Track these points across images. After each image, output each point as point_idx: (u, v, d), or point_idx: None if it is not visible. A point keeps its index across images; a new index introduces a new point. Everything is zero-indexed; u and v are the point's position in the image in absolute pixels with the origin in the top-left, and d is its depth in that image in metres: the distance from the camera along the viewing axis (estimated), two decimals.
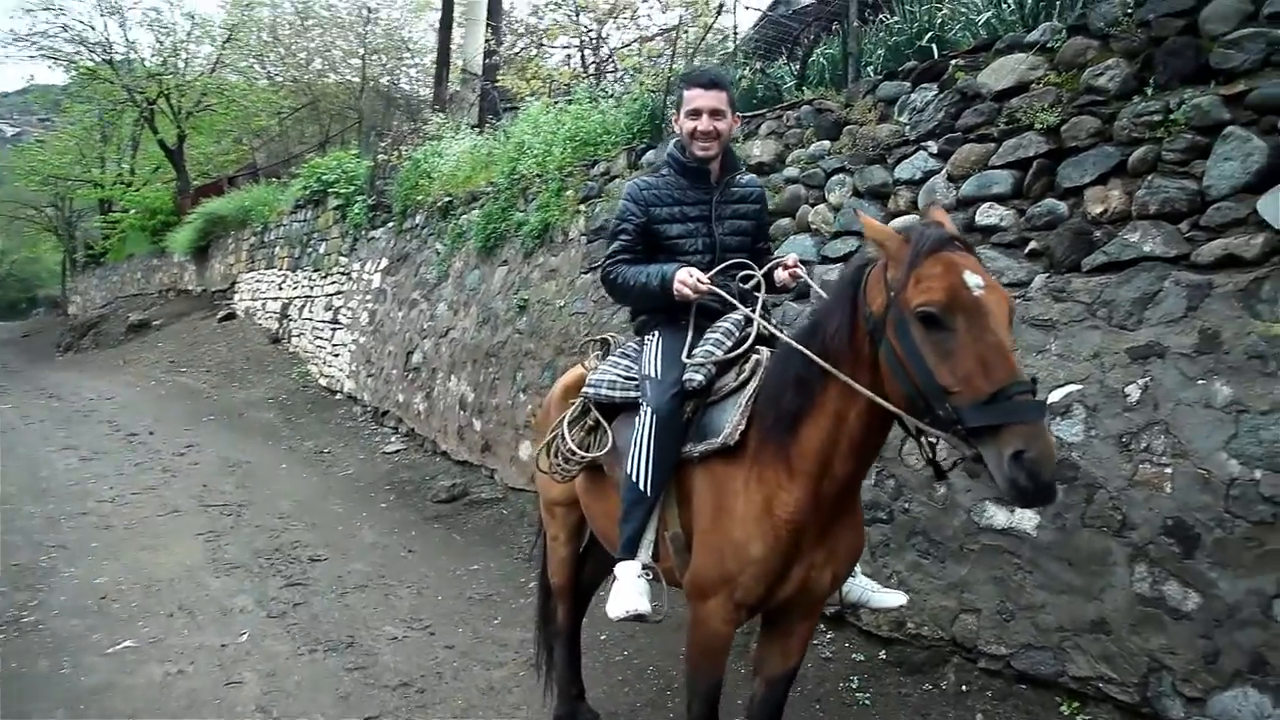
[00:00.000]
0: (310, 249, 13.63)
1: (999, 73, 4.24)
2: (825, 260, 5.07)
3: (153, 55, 23.73)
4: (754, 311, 2.83)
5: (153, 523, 6.81)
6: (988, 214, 4.18)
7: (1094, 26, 3.89)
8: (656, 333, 3.02)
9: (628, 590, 2.64)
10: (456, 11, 13.81)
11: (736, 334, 2.84)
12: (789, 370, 2.48)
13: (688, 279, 2.84)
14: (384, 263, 11.20)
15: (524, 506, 7.11)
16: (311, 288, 13.34)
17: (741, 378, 2.70)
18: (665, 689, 4.14)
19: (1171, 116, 3.51)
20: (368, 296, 11.43)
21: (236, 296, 17.09)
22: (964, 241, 2.14)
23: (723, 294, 2.86)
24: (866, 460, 2.45)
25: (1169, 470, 3.30)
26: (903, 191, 4.67)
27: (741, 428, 2.57)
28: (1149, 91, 3.65)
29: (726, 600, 2.55)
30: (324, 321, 12.61)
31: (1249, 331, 3.21)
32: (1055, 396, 3.69)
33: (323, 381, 12.27)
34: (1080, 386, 3.64)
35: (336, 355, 11.99)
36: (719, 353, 2.77)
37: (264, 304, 15.48)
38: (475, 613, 5.19)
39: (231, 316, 16.68)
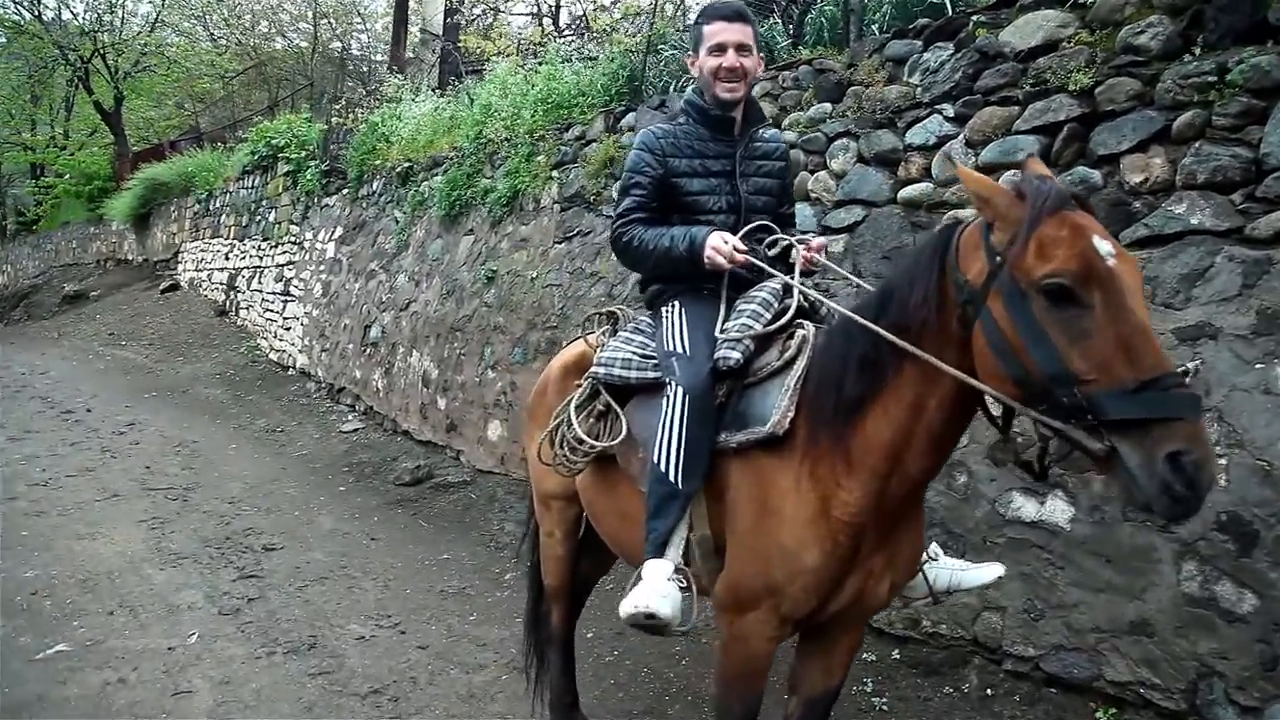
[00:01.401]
0: (259, 217, 12.98)
1: (1025, 30, 3.94)
2: (827, 231, 4.74)
3: (86, 11, 22.50)
4: (794, 279, 2.48)
5: (90, 508, 6.28)
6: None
7: None
8: (676, 303, 2.65)
9: (649, 590, 2.26)
10: None
11: (775, 305, 2.48)
12: (850, 349, 2.13)
13: (721, 245, 2.47)
14: (339, 231, 10.65)
15: (494, 490, 6.75)
16: (261, 258, 12.71)
17: (787, 356, 2.34)
18: (663, 693, 3.82)
19: (1226, 78, 3.23)
20: (321, 267, 10.88)
21: (180, 267, 16.30)
22: (1083, 200, 1.80)
23: (762, 265, 2.51)
24: (945, 455, 2.11)
25: (1223, 461, 3.05)
26: (915, 158, 4.36)
27: (791, 415, 2.22)
28: (1197, 51, 3.37)
29: (771, 614, 2.22)
30: (274, 293, 12.01)
31: None
32: None
33: (273, 356, 11.71)
34: None
35: (288, 329, 11.43)
36: (758, 326, 2.42)
37: (209, 274, 14.77)
38: (448, 608, 4.81)
39: (175, 287, 15.91)
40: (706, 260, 2.49)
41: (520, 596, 4.90)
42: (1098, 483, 3.34)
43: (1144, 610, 3.19)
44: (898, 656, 3.85)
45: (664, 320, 2.64)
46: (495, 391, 7.15)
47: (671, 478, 2.31)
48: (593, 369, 2.78)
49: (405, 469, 7.33)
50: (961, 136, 4.14)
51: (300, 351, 11.00)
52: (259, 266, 12.75)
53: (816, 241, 2.66)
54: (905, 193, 4.38)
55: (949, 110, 4.22)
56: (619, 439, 2.61)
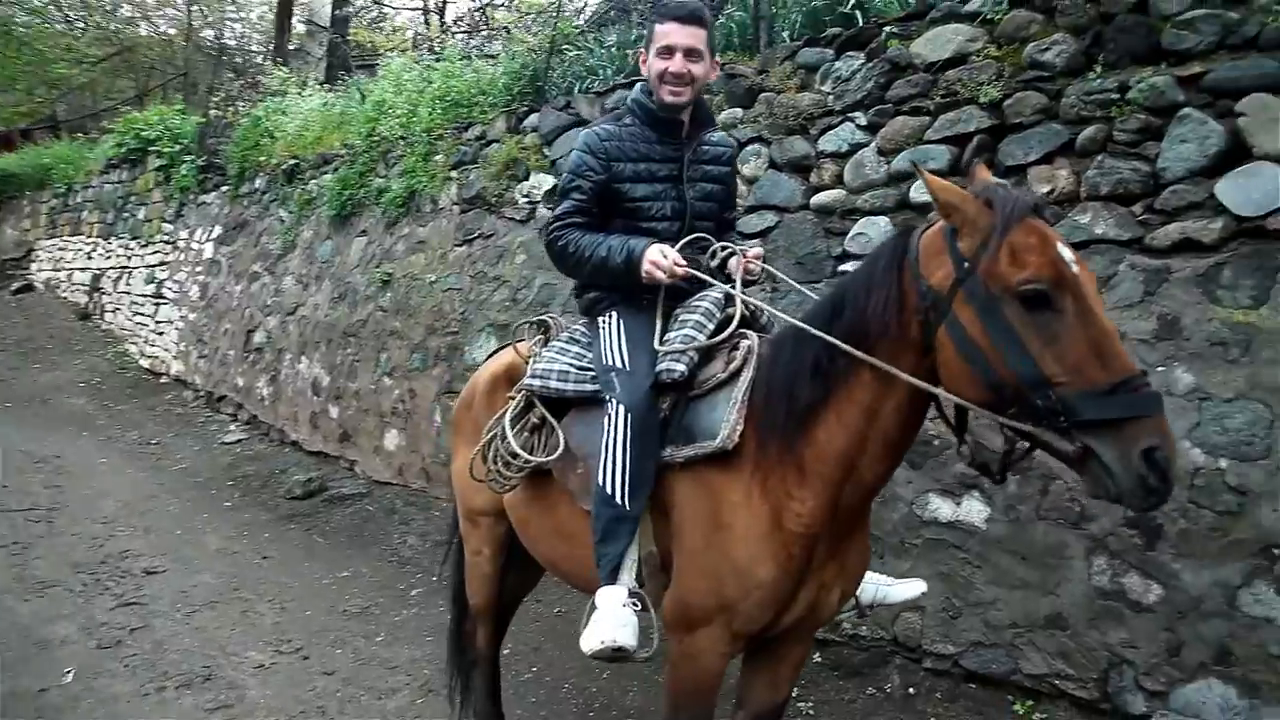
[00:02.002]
0: (127, 214, 12.18)
1: (935, 43, 4.05)
2: (740, 235, 4.76)
3: None
4: (736, 289, 2.44)
5: None
6: (924, 191, 3.95)
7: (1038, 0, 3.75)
8: (614, 314, 2.58)
9: (609, 620, 2.19)
10: None
11: (718, 315, 2.44)
12: (801, 358, 2.11)
13: (660, 260, 2.41)
14: (217, 231, 10.11)
15: (392, 502, 6.53)
16: (129, 257, 11.93)
17: (732, 367, 2.29)
18: (586, 709, 3.75)
19: (1127, 96, 3.39)
20: (198, 268, 10.30)
21: (35, 266, 15.13)
22: (1041, 209, 1.84)
23: (704, 277, 2.47)
24: (899, 460, 2.12)
25: None
26: (827, 164, 4.43)
27: (740, 427, 2.18)
28: (1098, 69, 3.52)
29: (723, 631, 2.17)
30: (145, 295, 11.29)
31: (1210, 318, 3.13)
32: None
33: (144, 363, 11.01)
34: None
35: (161, 333, 10.77)
36: (701, 337, 2.37)
37: (70, 275, 13.76)
38: (353, 629, 4.59)
39: (29, 289, 14.76)
40: (645, 275, 2.43)
41: (428, 614, 4.77)
42: (1013, 483, 3.45)
43: (1057, 604, 3.31)
44: (820, 660, 3.89)
45: (601, 331, 2.56)
46: (392, 399, 6.91)
47: (619, 499, 2.24)
48: (526, 380, 2.68)
49: (296, 481, 7.00)
50: (874, 145, 4.22)
51: (175, 357, 10.38)
52: (127, 267, 11.96)
53: (754, 250, 2.62)
54: (818, 199, 4.44)
55: (861, 119, 4.30)
56: (556, 454, 2.52)
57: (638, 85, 2.68)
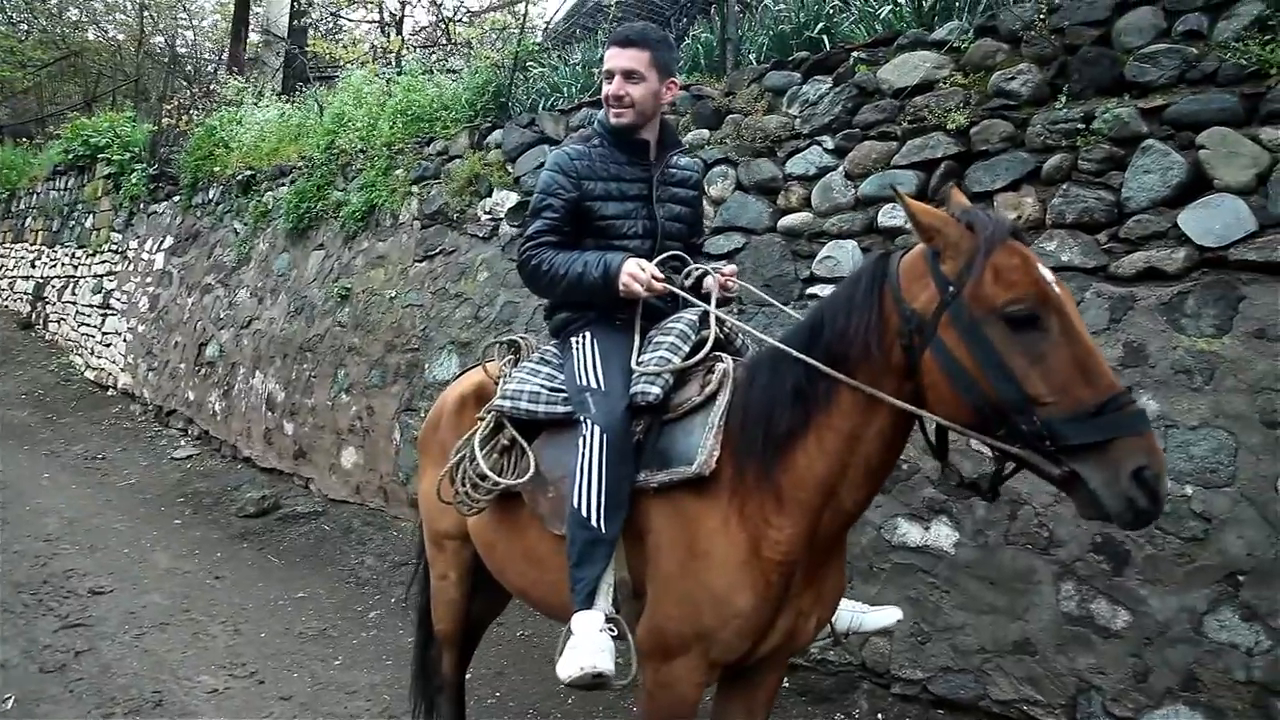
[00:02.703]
0: (74, 222, 11.85)
1: (902, 69, 4.09)
2: (706, 257, 4.75)
3: None
4: (712, 309, 2.42)
5: None
6: (892, 215, 4.01)
7: (1004, 29, 3.80)
8: (587, 334, 2.54)
9: (587, 645, 2.14)
10: None
11: (693, 336, 2.42)
12: (779, 382, 2.10)
13: (639, 273, 2.39)
14: (169, 241, 9.87)
15: (349, 521, 6.39)
16: (76, 266, 11.60)
17: (708, 390, 2.27)
18: None
19: (1091, 126, 3.45)
20: (148, 279, 10.04)
21: None
22: (1021, 232, 1.87)
23: (682, 293, 2.45)
24: (879, 485, 2.11)
25: None
26: (795, 187, 4.44)
27: (717, 453, 2.15)
28: (1063, 99, 3.58)
29: (700, 660, 2.14)
30: (92, 306, 10.97)
31: (1175, 346, 3.18)
32: None
33: (90, 375, 10.69)
34: None
35: (108, 345, 10.47)
36: (676, 359, 2.34)
37: (11, 283, 13.36)
38: (309, 652, 4.47)
39: None
40: (622, 288, 2.40)
41: (387, 637, 4.66)
42: (981, 508, 3.47)
43: (1026, 630, 3.33)
44: (788, 685, 3.85)
45: (574, 352, 2.52)
46: (350, 416, 6.77)
47: (594, 522, 2.20)
48: (497, 401, 2.62)
49: (249, 499, 6.83)
50: (841, 169, 4.25)
51: (123, 370, 10.09)
52: (73, 276, 11.63)
53: (728, 269, 2.62)
54: (785, 221, 4.45)
55: (828, 142, 4.32)
56: (527, 476, 2.47)
57: (602, 111, 2.68)
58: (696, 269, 2.58)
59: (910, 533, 3.66)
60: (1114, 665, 3.13)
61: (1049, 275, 1.75)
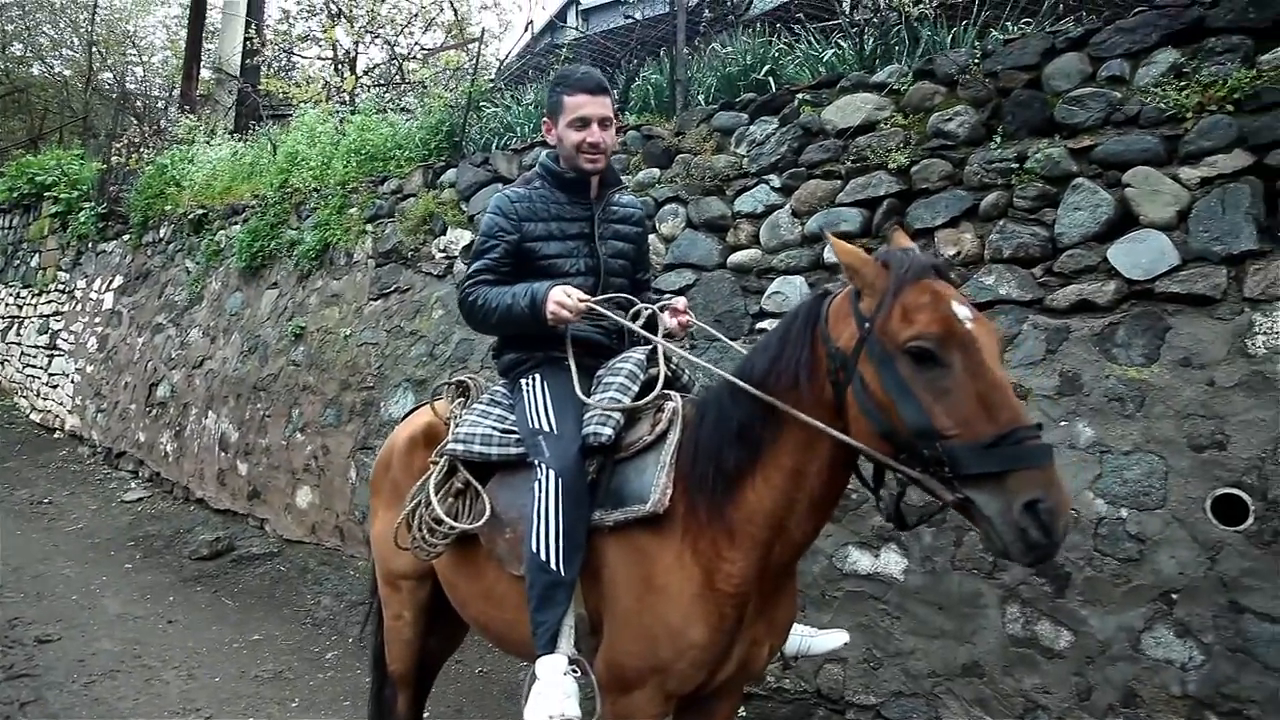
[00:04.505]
0: (18, 261, 11.66)
1: (845, 110, 4.24)
2: (657, 293, 4.83)
3: None
4: (659, 343, 2.49)
5: None
6: None
7: (941, 73, 3.96)
8: (537, 375, 2.59)
9: (553, 692, 2.17)
10: (209, 3, 12.41)
11: (641, 376, 2.48)
12: (726, 420, 2.17)
13: (565, 298, 2.42)
14: (118, 281, 9.75)
15: (305, 561, 6.31)
16: (21, 306, 11.39)
17: (659, 429, 2.33)
18: None
19: (1025, 165, 3.61)
20: (97, 319, 9.89)
21: None
22: (943, 269, 1.93)
23: (607, 312, 2.51)
24: (827, 517, 2.18)
25: None
26: (744, 224, 4.55)
27: (670, 491, 2.21)
28: (998, 139, 3.74)
29: (657, 692, 2.19)
30: (38, 346, 10.78)
31: (1107, 375, 3.32)
32: None
33: (36, 417, 10.47)
34: None
35: (55, 386, 10.27)
36: (626, 399, 2.40)
37: None
38: (266, 695, 4.41)
39: None
40: (550, 315, 2.42)
41: (345, 677, 4.62)
42: (928, 534, 3.56)
43: (975, 653, 3.41)
44: (745, 714, 3.90)
45: (525, 394, 2.56)
46: (305, 455, 6.72)
47: (554, 566, 2.23)
48: (450, 445, 2.65)
49: (202, 541, 6.72)
50: (788, 206, 4.37)
51: (70, 411, 9.89)
52: (18, 316, 11.42)
53: (680, 302, 2.68)
54: (735, 258, 4.56)
55: (775, 181, 4.44)
56: (483, 520, 2.50)
57: (544, 152, 2.75)
58: (646, 309, 2.63)
59: (861, 561, 3.74)
60: (1059, 684, 3.23)
61: (963, 311, 1.80)
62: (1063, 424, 3.37)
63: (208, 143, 9.50)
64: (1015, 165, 3.63)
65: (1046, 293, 3.53)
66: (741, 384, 2.13)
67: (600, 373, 2.55)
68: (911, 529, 2.06)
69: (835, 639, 2.76)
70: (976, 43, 3.98)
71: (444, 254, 6.17)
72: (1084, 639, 3.20)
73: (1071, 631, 3.23)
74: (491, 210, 2.66)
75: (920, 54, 4.24)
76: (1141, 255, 3.33)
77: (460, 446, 2.61)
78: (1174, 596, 3.07)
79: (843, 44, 4.70)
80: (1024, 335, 3.53)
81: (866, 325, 1.87)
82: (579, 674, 2.23)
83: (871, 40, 4.51)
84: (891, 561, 3.66)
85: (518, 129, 6.18)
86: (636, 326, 2.54)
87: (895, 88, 4.09)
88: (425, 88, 8.08)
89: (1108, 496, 3.22)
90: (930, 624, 3.53)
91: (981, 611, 3.42)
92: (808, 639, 2.71)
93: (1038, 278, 3.57)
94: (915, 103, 4.02)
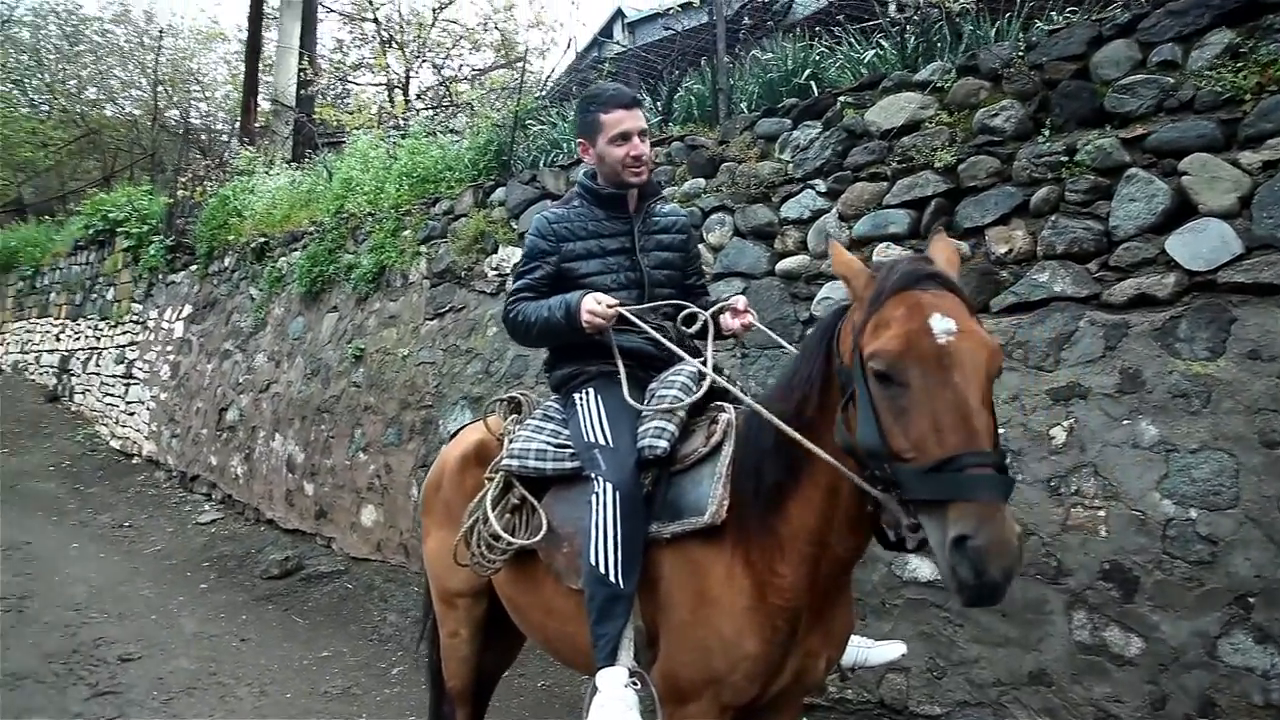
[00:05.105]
0: (95, 295, 12.12)
1: (888, 111, 4.18)
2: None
3: None
4: (705, 359, 2.48)
5: None
6: (886, 254, 4.07)
7: (985, 67, 3.89)
8: (590, 389, 2.61)
9: (615, 704, 2.18)
10: (265, 37, 12.82)
11: (694, 389, 2.48)
12: (764, 436, 2.15)
13: (595, 306, 2.46)
14: (188, 310, 10.08)
15: (371, 579, 6.43)
16: (99, 338, 11.84)
17: (713, 441, 2.33)
18: None
19: (1075, 158, 3.51)
20: (169, 347, 10.23)
21: (2, 349, 14.99)
22: (946, 279, 1.81)
23: (636, 320, 2.51)
24: (868, 535, 2.13)
25: (1102, 513, 3.25)
26: (791, 231, 4.52)
27: (726, 503, 2.20)
28: (1046, 132, 3.66)
29: (712, 704, 2.17)
30: (115, 376, 11.18)
31: (1170, 370, 3.21)
32: None
33: (115, 444, 10.85)
34: (1002, 430, 3.53)
35: (132, 414, 10.64)
36: (680, 412, 2.41)
37: (38, 357, 13.61)
38: (334, 710, 4.51)
39: None
40: (585, 323, 2.47)
41: (411, 692, 4.69)
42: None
43: (1041, 660, 3.32)
44: None
45: (579, 408, 2.59)
46: (368, 475, 6.85)
47: (613, 579, 2.24)
48: (505, 460, 2.69)
49: (273, 561, 6.89)
50: (834, 211, 4.33)
51: (147, 438, 10.25)
52: (97, 348, 11.86)
53: (741, 301, 2.65)
54: (783, 265, 4.53)
55: (821, 186, 4.40)
56: (540, 535, 2.52)
57: (582, 170, 2.77)
58: (699, 313, 2.62)
59: (921, 568, 3.67)
60: (1130, 693, 3.12)
61: (941, 325, 1.69)
62: (1125, 423, 3.26)
63: (266, 173, 9.76)
64: (1065, 158, 3.54)
65: (1103, 288, 3.43)
66: (760, 409, 2.12)
67: (653, 385, 2.56)
68: (903, 551, 1.94)
69: (893, 650, 2.72)
70: (1020, 35, 3.89)
71: (496, 272, 6.24)
72: (1156, 645, 3.09)
73: (1142, 638, 3.12)
74: (532, 232, 2.72)
75: (963, 50, 4.17)
76: (1202, 245, 3.22)
77: (515, 462, 2.64)
78: (1251, 600, 2.95)
79: (884, 44, 4.65)
80: (1081, 332, 3.44)
81: (854, 339, 1.83)
82: (639, 686, 2.22)
83: (913, 38, 4.45)
84: None
85: (564, 145, 6.23)
86: (661, 337, 2.53)
87: (939, 85, 4.03)
88: (473, 109, 8.19)
89: (1175, 497, 3.11)
90: (994, 631, 3.44)
91: (1047, 618, 3.32)
92: (865, 650, 2.67)
93: (1093, 273, 3.47)
94: (960, 99, 3.95)
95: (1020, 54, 3.77)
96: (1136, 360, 3.29)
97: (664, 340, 2.53)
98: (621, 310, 2.49)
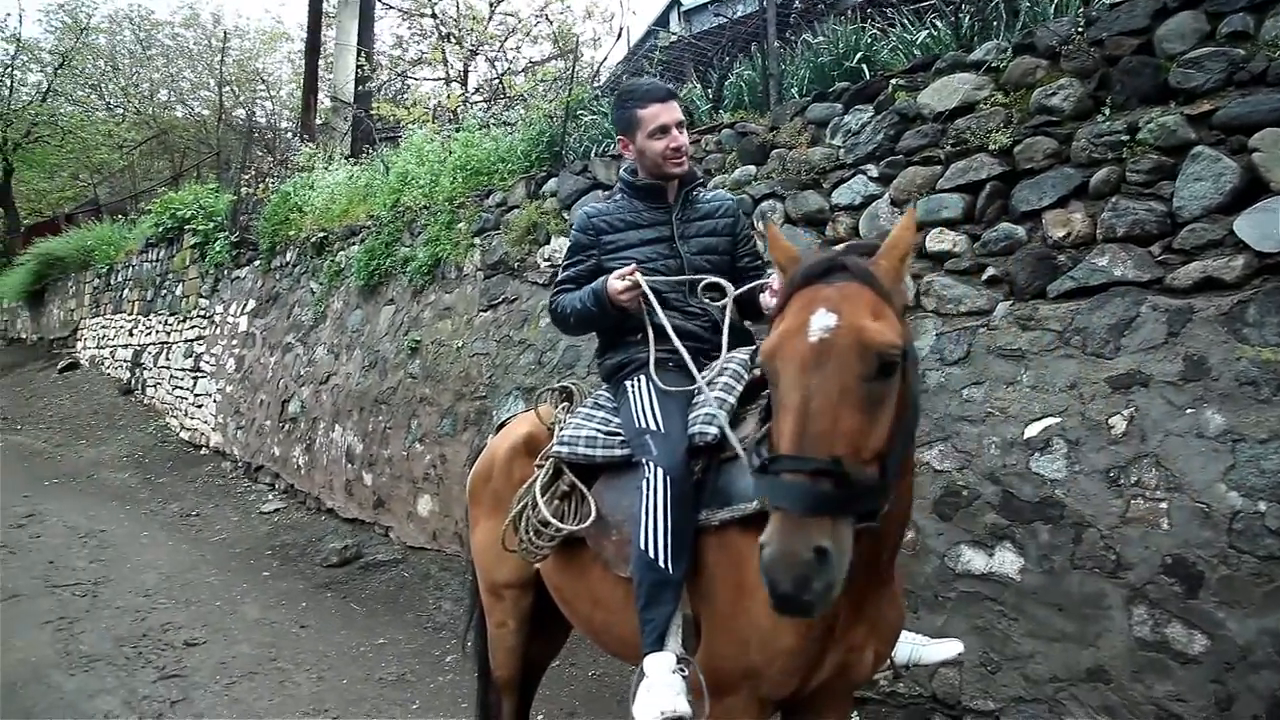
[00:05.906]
0: (165, 291, 12.51)
1: (942, 93, 4.07)
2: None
3: None
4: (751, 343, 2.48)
5: None
6: (939, 239, 3.98)
7: (1042, 45, 3.77)
8: (641, 376, 2.61)
9: (663, 688, 2.17)
10: (324, 36, 13.05)
11: (745, 375, 2.45)
12: None
13: (616, 281, 2.55)
14: (251, 304, 10.33)
15: (427, 568, 6.52)
16: (168, 333, 12.22)
17: (765, 428, 2.31)
18: None
19: (1137, 136, 3.38)
20: (234, 341, 10.51)
21: (80, 344, 15.56)
22: (857, 268, 1.72)
23: (659, 288, 2.58)
24: (900, 526, 2.09)
25: (1164, 505, 3.12)
26: (842, 217, 4.44)
27: None
28: (1106, 111, 3.53)
29: (750, 697, 2.15)
30: (184, 369, 11.53)
31: (1238, 357, 3.07)
32: (1032, 431, 3.48)
33: (184, 435, 11.20)
34: (1059, 419, 3.44)
35: (200, 406, 10.96)
36: (732, 399, 2.39)
37: (113, 351, 14.12)
38: (388, 697, 4.58)
39: (74, 366, 15.14)
40: (613, 299, 2.56)
41: (463, 680, 4.74)
42: (1045, 531, 3.38)
43: (1099, 657, 3.21)
44: (857, 718, 3.80)
45: (630, 395, 2.59)
46: (424, 465, 6.95)
47: (662, 564, 2.23)
48: (555, 448, 2.69)
49: (332, 549, 7.03)
50: (887, 196, 4.24)
51: (214, 429, 10.55)
52: (166, 342, 12.25)
53: (778, 281, 2.63)
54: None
55: (873, 170, 4.32)
56: (589, 521, 2.52)
57: (623, 165, 2.79)
58: (733, 291, 2.63)
59: (974, 560, 3.58)
60: (1194, 693, 3.00)
61: (819, 323, 1.64)
62: (1189, 411, 3.13)
63: (326, 168, 9.95)
64: (1126, 137, 3.41)
65: (1166, 271, 3.30)
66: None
67: (704, 372, 2.54)
68: None
69: (949, 649, 2.65)
70: (1080, 10, 3.75)
71: (548, 263, 6.26)
72: (1221, 643, 2.96)
73: (1207, 635, 3.00)
74: (574, 227, 2.81)
75: (1020, 28, 4.04)
76: (1273, 225, 3.07)
77: (565, 449, 2.65)
78: None
79: (938, 24, 4.53)
80: (1142, 318, 3.31)
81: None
82: (686, 672, 2.21)
83: (968, 18, 4.32)
84: (1007, 560, 3.49)
85: (615, 135, 6.21)
86: (664, 318, 2.54)
87: (994, 65, 3.91)
88: (526, 100, 8.22)
89: (1243, 489, 2.97)
90: (1050, 626, 3.34)
91: (1105, 613, 3.21)
92: (919, 648, 2.62)
93: (1156, 256, 3.34)
94: (1016, 79, 3.84)
95: (1080, 30, 3.63)
96: (1201, 346, 3.16)
97: (663, 320, 2.54)
98: (639, 279, 2.54)
